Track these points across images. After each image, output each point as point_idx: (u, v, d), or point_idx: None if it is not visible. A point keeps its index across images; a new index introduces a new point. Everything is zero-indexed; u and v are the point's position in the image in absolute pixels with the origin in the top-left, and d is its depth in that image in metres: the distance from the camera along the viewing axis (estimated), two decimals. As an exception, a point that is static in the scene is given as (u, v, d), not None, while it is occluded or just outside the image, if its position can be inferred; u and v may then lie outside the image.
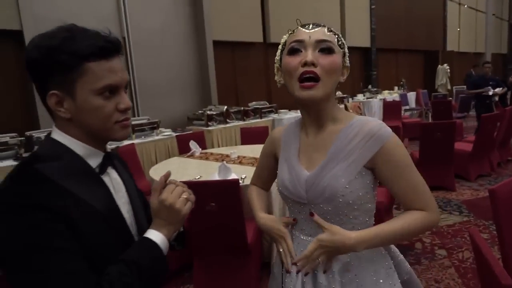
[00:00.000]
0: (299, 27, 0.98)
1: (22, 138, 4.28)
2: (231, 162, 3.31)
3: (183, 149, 4.21)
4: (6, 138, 4.20)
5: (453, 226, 3.38)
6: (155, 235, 0.84)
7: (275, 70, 1.06)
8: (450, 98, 9.67)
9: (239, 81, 8.00)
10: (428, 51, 14.51)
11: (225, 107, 6.23)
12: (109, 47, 0.80)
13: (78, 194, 0.78)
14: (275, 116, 7.03)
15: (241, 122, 6.25)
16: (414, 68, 14.23)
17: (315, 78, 0.93)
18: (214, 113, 6.13)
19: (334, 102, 1.02)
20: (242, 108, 6.51)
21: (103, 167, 0.86)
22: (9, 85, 4.86)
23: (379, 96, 10.07)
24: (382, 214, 2.92)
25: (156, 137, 5.28)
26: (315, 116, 1.01)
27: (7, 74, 4.82)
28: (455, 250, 2.90)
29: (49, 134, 0.85)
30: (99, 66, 0.79)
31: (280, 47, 1.04)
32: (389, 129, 0.97)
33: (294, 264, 1.01)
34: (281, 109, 7.53)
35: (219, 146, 5.63)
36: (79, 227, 0.75)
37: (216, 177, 2.70)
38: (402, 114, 9.13)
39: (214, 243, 2.39)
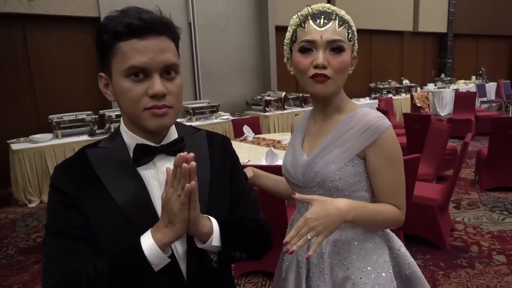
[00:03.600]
0: (310, 22, 0.97)
1: (96, 116, 4.74)
2: (281, 148, 3.35)
3: (238, 133, 4.33)
4: (83, 115, 4.68)
5: (519, 231, 3.10)
6: (145, 237, 0.73)
7: (285, 59, 1.07)
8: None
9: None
10: (516, 37, 13.00)
11: (284, 93, 6.24)
12: (139, 25, 0.72)
13: (105, 184, 0.77)
14: (334, 104, 6.87)
15: (299, 109, 6.23)
16: (498, 56, 12.83)
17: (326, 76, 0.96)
18: (272, 99, 6.19)
19: (342, 93, 1.05)
20: (301, 94, 6.48)
21: (138, 160, 0.80)
22: (88, 67, 5.37)
23: (453, 86, 9.33)
24: (436, 213, 2.78)
25: (215, 120, 5.51)
26: (323, 106, 1.05)
27: (86, 57, 5.32)
28: (517, 258, 2.67)
29: None
30: (128, 46, 0.73)
31: (288, 35, 1.03)
32: (388, 123, 0.97)
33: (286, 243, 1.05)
34: (342, 97, 7.35)
35: (275, 132, 5.70)
36: (91, 216, 0.75)
37: (263, 162, 2.77)
38: (478, 107, 8.39)
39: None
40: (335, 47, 0.95)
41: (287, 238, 0.88)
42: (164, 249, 0.73)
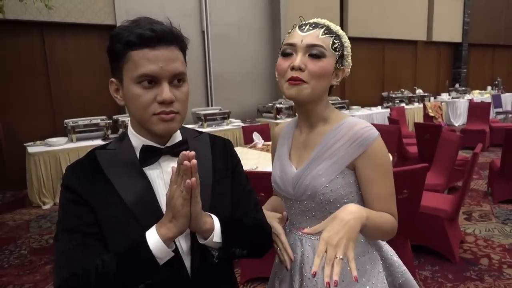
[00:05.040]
0: (296, 28, 0.98)
1: (109, 121, 4.86)
2: (290, 156, 3.36)
3: (248, 140, 4.36)
4: (97, 120, 4.80)
5: (532, 245, 3.03)
6: (150, 233, 0.77)
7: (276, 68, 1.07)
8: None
9: (312, 75, 7.96)
10: (534, 47, 12.75)
11: (295, 101, 6.26)
12: (151, 35, 0.77)
13: (113, 183, 0.82)
14: (346, 112, 6.87)
15: (309, 117, 6.23)
16: (515, 66, 12.63)
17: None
18: (283, 106, 6.22)
19: (327, 103, 1.03)
20: (312, 103, 6.48)
21: (144, 160, 0.84)
22: (103, 73, 5.50)
23: (467, 96, 9.21)
24: (445, 224, 2.75)
25: (226, 127, 5.57)
26: (306, 115, 1.04)
27: (101, 63, 5.45)
28: (528, 272, 2.61)
29: None
30: (140, 55, 0.78)
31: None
32: (376, 133, 0.96)
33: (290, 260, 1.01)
34: (354, 105, 7.35)
35: (285, 140, 5.71)
36: (100, 213, 0.80)
37: (270, 168, 2.79)
38: (493, 117, 8.25)
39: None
40: (314, 52, 0.94)
41: (314, 268, 0.76)
42: (168, 243, 0.77)
